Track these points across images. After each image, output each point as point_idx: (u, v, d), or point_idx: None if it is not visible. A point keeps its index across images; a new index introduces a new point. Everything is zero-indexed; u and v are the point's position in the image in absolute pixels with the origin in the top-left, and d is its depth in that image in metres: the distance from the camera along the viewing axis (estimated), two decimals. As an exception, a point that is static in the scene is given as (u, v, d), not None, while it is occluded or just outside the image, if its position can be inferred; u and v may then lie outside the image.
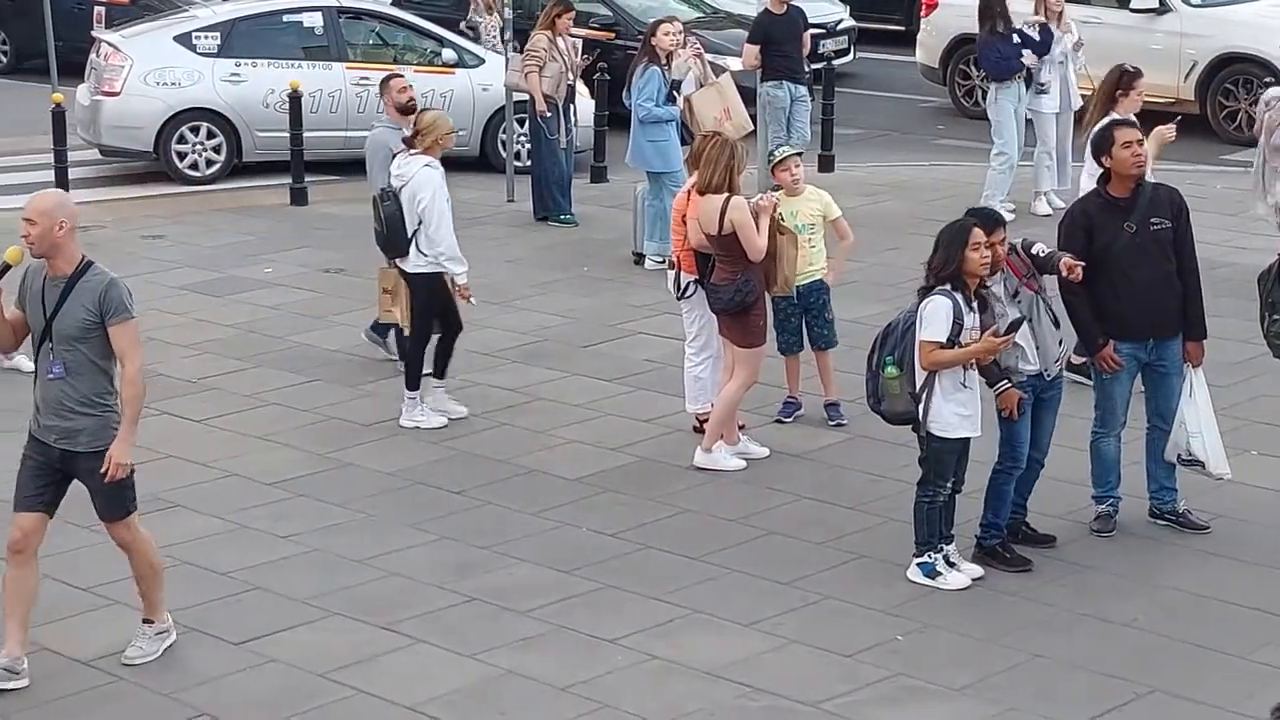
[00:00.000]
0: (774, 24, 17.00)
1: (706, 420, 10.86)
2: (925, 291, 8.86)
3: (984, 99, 18.39)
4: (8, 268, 7.90)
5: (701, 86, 14.92)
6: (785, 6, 16.95)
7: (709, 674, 8.22)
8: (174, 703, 7.99)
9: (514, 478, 10.60)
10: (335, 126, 18.56)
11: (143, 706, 7.98)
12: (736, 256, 10.39)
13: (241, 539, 9.75)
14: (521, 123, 17.84)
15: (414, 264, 11.28)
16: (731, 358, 10.71)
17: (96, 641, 8.51)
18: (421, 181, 11.13)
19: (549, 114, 16.45)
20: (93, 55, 18.84)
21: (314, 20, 18.95)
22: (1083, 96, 15.66)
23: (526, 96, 16.73)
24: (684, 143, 14.67)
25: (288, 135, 17.54)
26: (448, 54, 19.01)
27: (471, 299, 11.56)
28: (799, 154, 11.41)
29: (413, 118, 11.62)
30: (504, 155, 18.22)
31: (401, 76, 12.98)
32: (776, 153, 11.39)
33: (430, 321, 11.48)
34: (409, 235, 11.19)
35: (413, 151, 11.26)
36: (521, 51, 16.84)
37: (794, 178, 11.13)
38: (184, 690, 8.07)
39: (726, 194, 10.36)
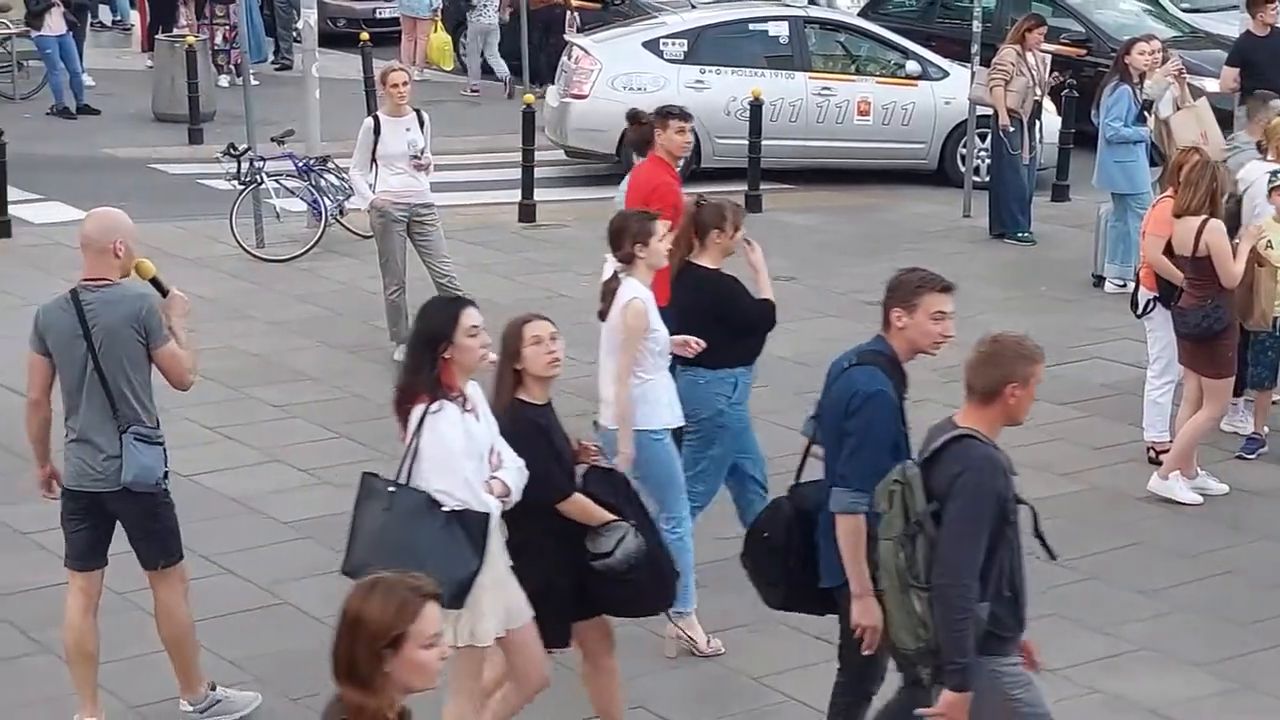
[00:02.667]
0: (1255, 46, 16.37)
1: (1162, 451, 10.52)
2: None
3: None
4: (155, 281, 7.65)
5: (1179, 108, 14.45)
6: (1269, 29, 16.30)
7: (1153, 712, 7.94)
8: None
9: (959, 496, 10.43)
10: (794, 135, 18.66)
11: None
12: (1208, 281, 10.03)
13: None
14: (983, 137, 17.62)
15: None
16: (1196, 387, 10.34)
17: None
18: None
19: (1011, 129, 16.19)
20: (564, 59, 19.36)
21: (779, 29, 19.09)
22: None
23: (990, 111, 16.50)
24: (1153, 164, 14.26)
25: (746, 143, 17.70)
26: (911, 66, 18.92)
27: None
28: None
29: None
30: (963, 170, 18.02)
31: None
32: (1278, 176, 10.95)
33: None
34: None
35: None
36: (988, 65, 16.63)
37: None
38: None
39: (1205, 216, 10.02)
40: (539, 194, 17.35)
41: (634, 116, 10.99)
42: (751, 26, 19.31)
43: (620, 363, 8.06)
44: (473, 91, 23.90)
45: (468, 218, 16.81)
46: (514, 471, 6.82)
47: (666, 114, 10.47)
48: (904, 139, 18.81)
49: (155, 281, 7.57)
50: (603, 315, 8.24)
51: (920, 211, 17.80)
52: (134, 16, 28.29)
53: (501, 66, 23.95)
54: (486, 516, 6.60)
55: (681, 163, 11.06)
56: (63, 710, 7.83)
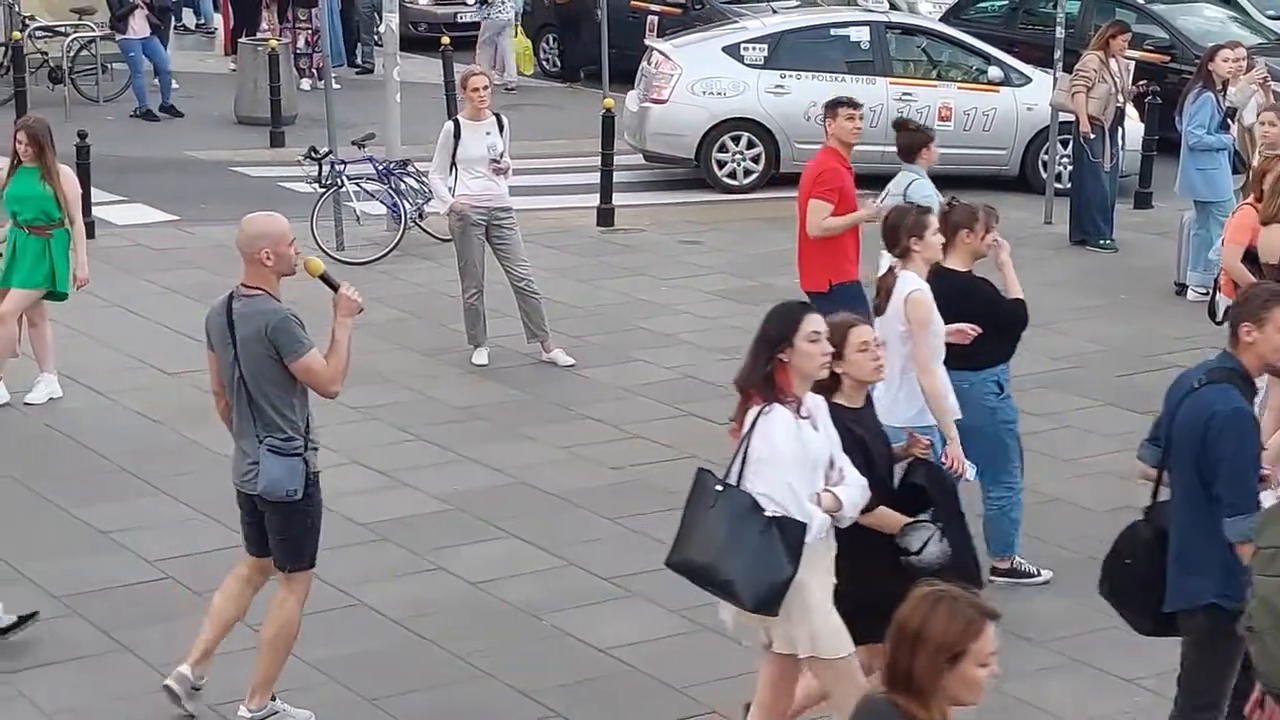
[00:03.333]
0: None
1: None
2: None
3: None
4: (324, 277, 7.58)
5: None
6: (1355, 34, 16.15)
7: (1233, 723, 7.85)
8: (683, 696, 8.09)
9: (1039, 504, 10.36)
10: (874, 141, 18.57)
11: (653, 697, 8.12)
12: None
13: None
14: (1065, 144, 17.51)
15: None
16: None
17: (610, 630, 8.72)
18: None
19: (1093, 135, 16.08)
20: (644, 63, 19.37)
21: (861, 34, 19.03)
22: None
23: (1072, 117, 16.40)
24: (1235, 171, 14.14)
25: (826, 148, 17.64)
26: (993, 72, 18.81)
27: None
28: None
29: None
30: (1044, 176, 17.91)
31: None
32: None
33: None
34: None
35: None
36: (1071, 71, 16.52)
37: None
38: (694, 686, 8.16)
39: None
40: (617, 198, 17.37)
41: (901, 124, 11.49)
42: (832, 31, 19.25)
43: (920, 355, 8.31)
44: (509, 89, 24.20)
45: (546, 221, 16.86)
46: (855, 489, 6.77)
47: (836, 103, 11.09)
48: (985, 145, 18.71)
49: (325, 278, 7.49)
50: (879, 310, 8.46)
51: (1001, 218, 17.64)
52: (217, 20, 28.53)
53: (511, 66, 24.58)
54: (804, 527, 6.56)
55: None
56: (142, 709, 7.91)
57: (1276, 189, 10.01)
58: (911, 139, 11.08)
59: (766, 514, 6.58)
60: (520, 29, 25.22)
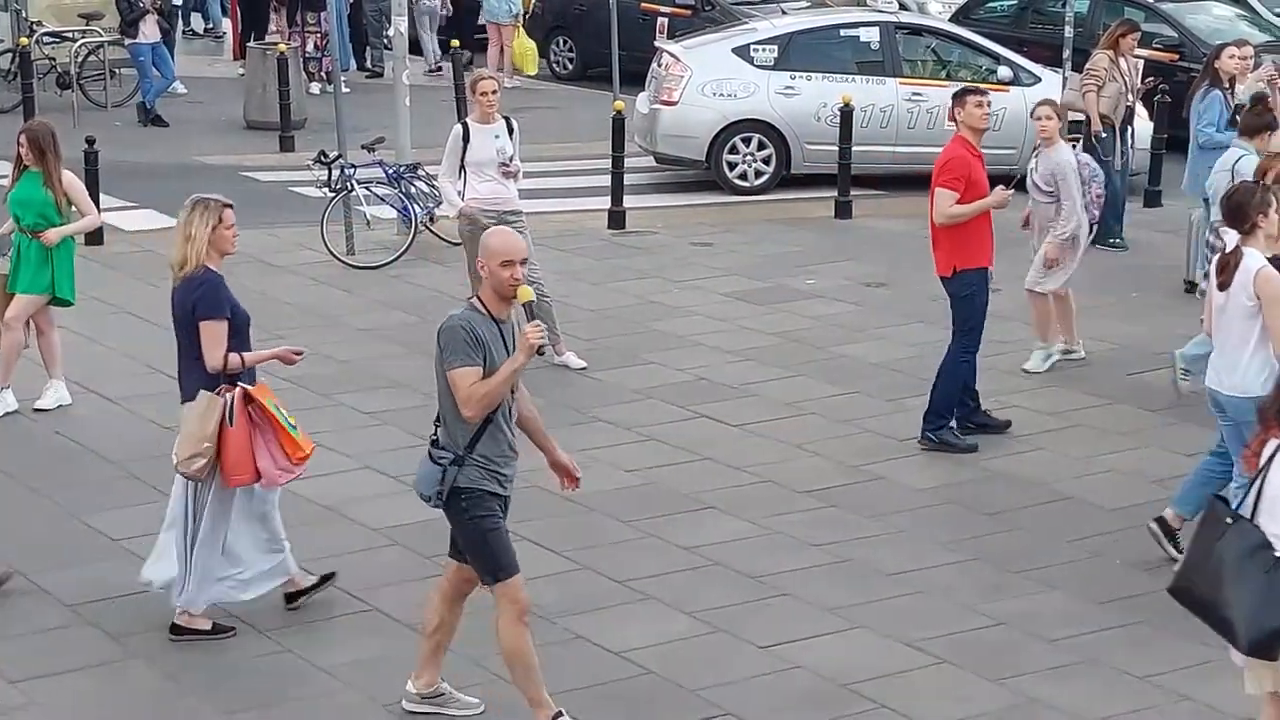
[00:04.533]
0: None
1: None
2: None
3: None
4: (528, 307, 7.42)
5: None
6: (1361, 31, 16.13)
7: (1247, 722, 7.85)
8: (698, 698, 8.10)
9: (1050, 503, 10.38)
10: (884, 141, 18.59)
11: (668, 700, 8.13)
12: None
13: (773, 545, 9.83)
14: (1075, 143, 17.46)
15: None
16: None
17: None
18: None
19: (1104, 135, 16.06)
20: (654, 65, 19.37)
21: (870, 35, 19.03)
22: None
23: (1082, 116, 16.38)
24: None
25: (836, 149, 17.65)
26: (1003, 71, 18.80)
27: None
28: None
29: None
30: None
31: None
32: None
33: None
34: None
35: None
36: (1080, 70, 16.51)
37: None
38: (708, 688, 8.18)
39: None
40: (628, 201, 17.37)
41: (1257, 100, 12.35)
42: (842, 32, 19.24)
43: (1275, 329, 8.45)
44: (435, 70, 25.00)
45: (557, 224, 16.86)
46: None
47: (964, 91, 11.50)
48: (995, 144, 18.61)
49: (528, 308, 7.40)
50: (1222, 285, 8.70)
51: (1011, 217, 17.61)
52: (226, 24, 28.57)
53: (432, 46, 25.49)
54: None
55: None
56: (149, 715, 7.91)
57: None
58: (1256, 120, 11.95)
59: (1276, 554, 6.42)
60: (522, 30, 25.17)
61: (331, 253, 15.55)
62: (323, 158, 16.02)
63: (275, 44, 22.14)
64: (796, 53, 18.85)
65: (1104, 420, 11.75)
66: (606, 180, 17.37)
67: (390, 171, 16.04)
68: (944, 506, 10.34)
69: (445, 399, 7.39)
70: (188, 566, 8.52)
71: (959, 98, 11.46)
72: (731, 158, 18.59)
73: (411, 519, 10.05)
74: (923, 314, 14.05)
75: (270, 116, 21.07)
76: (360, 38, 26.08)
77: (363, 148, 16.04)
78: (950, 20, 22.13)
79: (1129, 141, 16.46)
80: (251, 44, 23.18)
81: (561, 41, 26.38)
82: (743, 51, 18.87)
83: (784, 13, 21.57)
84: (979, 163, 11.24)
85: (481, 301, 7.41)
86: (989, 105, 11.39)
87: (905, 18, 20.15)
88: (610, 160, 17.28)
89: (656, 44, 20.75)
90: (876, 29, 19.10)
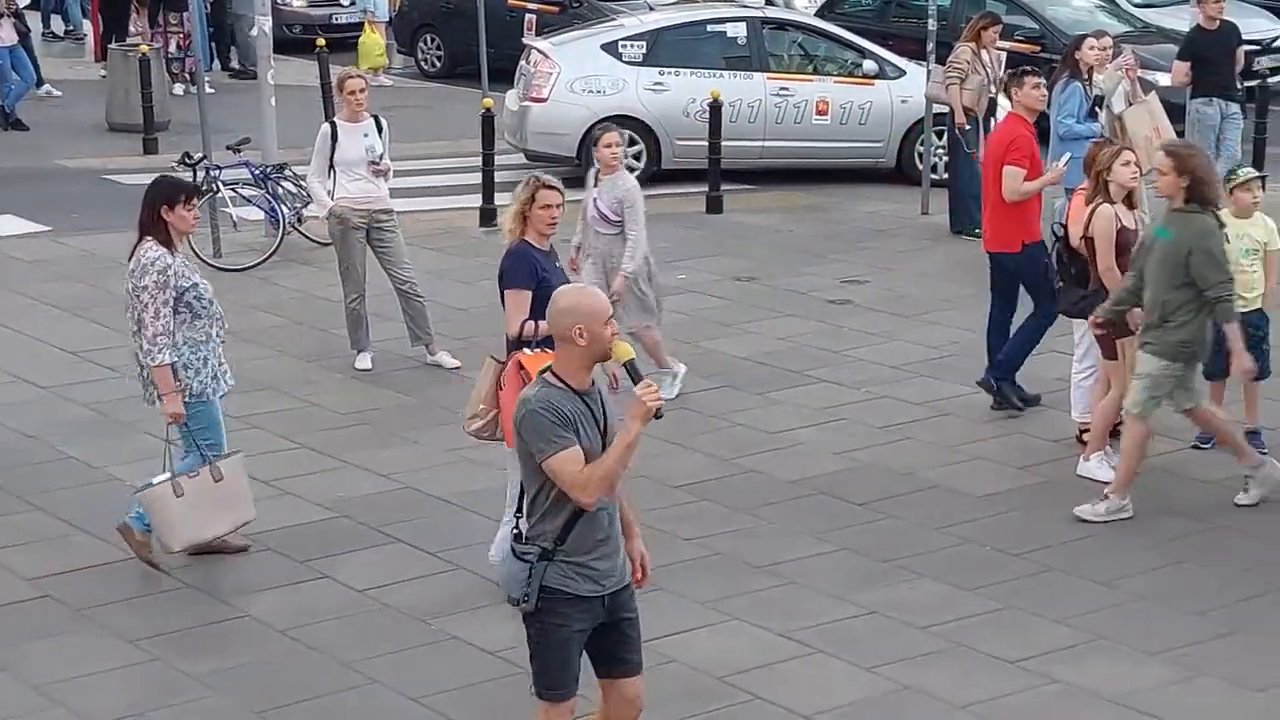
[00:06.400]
0: (1205, 40, 16.50)
1: (1086, 430, 10.83)
2: None
3: None
4: (629, 366, 6.59)
5: (1130, 104, 14.54)
6: (1218, 22, 16.45)
7: (1113, 702, 7.98)
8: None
9: (918, 491, 10.50)
10: (753, 136, 18.70)
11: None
12: (1095, 263, 10.49)
13: (645, 540, 9.80)
14: (940, 135, 17.68)
15: None
16: (1105, 370, 10.66)
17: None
18: None
19: (968, 127, 16.26)
20: (523, 62, 19.36)
21: (737, 30, 19.14)
22: None
23: (947, 108, 16.58)
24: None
25: (706, 144, 17.73)
26: (868, 65, 18.98)
27: None
28: (1264, 176, 11.16)
29: None
30: (920, 167, 18.08)
31: None
32: (1240, 173, 11.04)
33: None
34: None
35: None
36: (943, 63, 16.70)
37: (1255, 200, 10.86)
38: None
39: (1100, 200, 10.42)
40: (499, 198, 17.33)
41: None
42: (709, 28, 19.34)
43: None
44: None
45: (428, 223, 16.82)
46: None
47: (1023, 72, 11.92)
48: (862, 138, 18.88)
49: (630, 366, 6.52)
50: None
51: (879, 210, 17.86)
52: (86, 26, 28.20)
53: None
54: None
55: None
56: None
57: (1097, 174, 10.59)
58: None
59: None
60: (371, 27, 25.02)
61: (198, 255, 15.36)
62: (187, 159, 15.85)
63: (137, 45, 21.89)
64: (664, 49, 18.92)
65: (970, 409, 11.89)
66: (477, 178, 17.35)
67: (257, 172, 15.92)
68: (813, 498, 10.43)
69: (534, 485, 6.47)
70: None
71: (1017, 78, 11.84)
72: (602, 154, 18.59)
73: (285, 523, 10.01)
74: (792, 308, 14.16)
75: (133, 119, 20.84)
76: (223, 37, 25.85)
77: (228, 148, 15.91)
78: (816, 15, 22.29)
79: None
80: (113, 46, 22.91)
81: (429, 39, 26.30)
82: (611, 48, 18.91)
83: (651, 9, 21.64)
84: (1034, 139, 11.77)
85: (557, 375, 6.44)
86: (1045, 87, 11.89)
87: (771, 13, 20.28)
88: (480, 158, 17.27)
89: (525, 41, 20.73)
90: (743, 24, 19.21)
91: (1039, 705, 7.99)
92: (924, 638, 8.65)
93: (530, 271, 8.90)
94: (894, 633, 8.73)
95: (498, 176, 17.56)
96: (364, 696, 8.09)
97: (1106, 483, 10.22)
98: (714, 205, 17.75)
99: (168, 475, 9.20)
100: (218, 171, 15.78)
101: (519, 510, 6.63)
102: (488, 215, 17.06)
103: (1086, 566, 9.41)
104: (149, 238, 9.15)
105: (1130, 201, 10.66)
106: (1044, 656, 8.43)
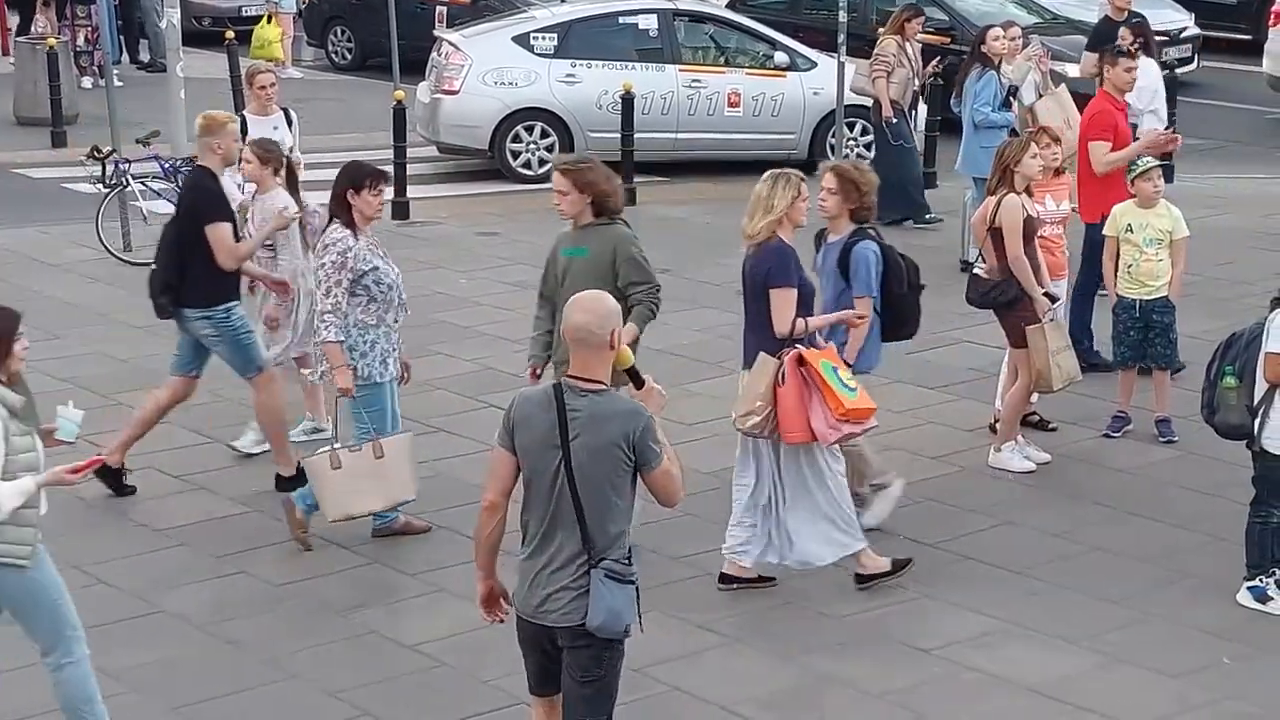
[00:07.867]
0: (1114, 31, 16.62)
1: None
2: (1278, 302, 8.58)
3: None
4: (631, 371, 6.52)
5: (1040, 95, 14.69)
6: (1126, 13, 16.57)
7: (1030, 690, 8.06)
8: (490, 689, 8.11)
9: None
10: (666, 128, 18.72)
11: (457, 691, 8.13)
12: (1001, 254, 10.58)
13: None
14: (851, 126, 17.75)
15: None
16: (1012, 359, 10.79)
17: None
18: None
19: (895, 120, 16.35)
20: (434, 54, 19.30)
21: (649, 22, 19.14)
22: None
23: (869, 101, 16.67)
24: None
25: (619, 136, 17.74)
26: (780, 57, 19.03)
27: None
28: (1166, 165, 11.33)
29: None
30: (832, 159, 18.14)
31: None
32: (1139, 163, 11.17)
33: None
34: None
35: None
36: (855, 55, 16.78)
37: (1156, 189, 10.98)
38: (499, 678, 8.18)
39: (1005, 191, 10.55)
40: (412, 191, 17.30)
41: None
42: (621, 20, 19.33)
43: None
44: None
45: (339, 216, 16.69)
46: None
47: (1118, 53, 12.52)
48: (774, 129, 18.93)
49: (632, 372, 6.46)
50: None
51: (791, 201, 17.88)
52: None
53: None
54: None
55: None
56: None
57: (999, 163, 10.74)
58: None
59: None
60: (273, 18, 24.85)
61: (108, 250, 15.27)
62: (96, 153, 15.70)
63: (44, 38, 21.65)
64: (576, 41, 18.90)
65: (884, 399, 11.92)
66: (389, 171, 17.23)
67: (167, 166, 15.77)
68: (729, 489, 10.43)
69: (627, 505, 6.34)
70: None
71: (1110, 57, 12.35)
72: (515, 146, 18.60)
73: (197, 518, 9.95)
74: (706, 299, 14.19)
75: (41, 112, 20.62)
76: (132, 30, 25.60)
77: (137, 142, 15.76)
78: (727, 7, 22.32)
79: (918, 124, 16.82)
80: (20, 39, 22.64)
81: (340, 31, 26.15)
82: (523, 40, 18.88)
83: (562, 0, 21.60)
84: (1122, 115, 12.25)
85: (601, 382, 6.27)
86: (1136, 70, 12.35)
87: (683, 4, 20.26)
88: (393, 150, 17.20)
89: (436, 33, 20.66)
90: (655, 16, 19.21)
91: (957, 693, 8.05)
92: (840, 628, 8.69)
93: (794, 269, 9.05)
94: (810, 623, 8.77)
95: (411, 169, 17.50)
96: (283, 690, 8.05)
97: (1020, 473, 10.39)
98: (628, 197, 17.72)
99: (330, 447, 9.38)
100: (127, 165, 15.63)
101: (586, 540, 6.22)
102: (400, 208, 17.00)
103: (1001, 555, 9.48)
104: (336, 220, 9.49)
105: (1030, 191, 10.77)
106: (960, 645, 8.49)
